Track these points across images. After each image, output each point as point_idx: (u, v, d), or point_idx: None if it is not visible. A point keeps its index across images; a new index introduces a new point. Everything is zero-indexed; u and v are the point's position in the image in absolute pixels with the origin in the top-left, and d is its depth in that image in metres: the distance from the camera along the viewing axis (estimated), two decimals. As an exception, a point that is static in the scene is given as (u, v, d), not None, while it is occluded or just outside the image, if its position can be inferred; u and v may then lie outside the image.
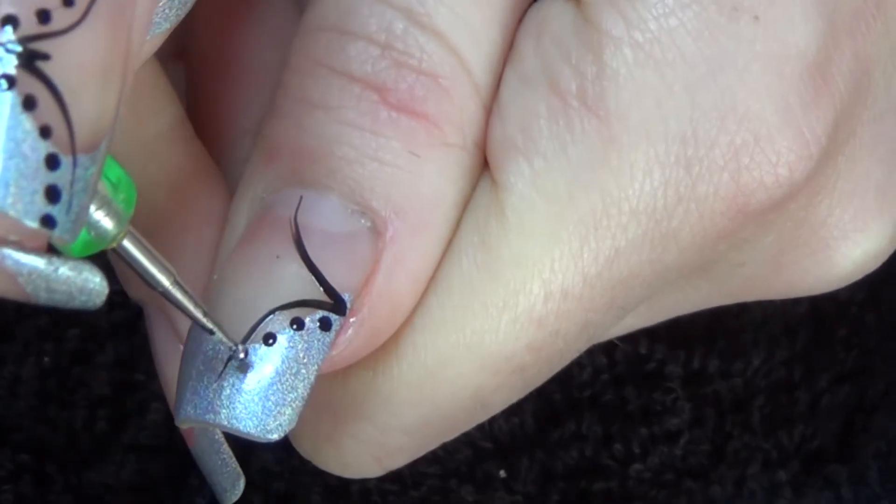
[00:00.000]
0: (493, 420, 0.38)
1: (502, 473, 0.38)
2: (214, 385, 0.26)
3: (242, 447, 0.39)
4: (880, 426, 0.38)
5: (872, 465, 0.38)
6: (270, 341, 0.26)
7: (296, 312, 0.26)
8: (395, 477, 0.39)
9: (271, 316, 0.26)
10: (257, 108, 0.29)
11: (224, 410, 0.26)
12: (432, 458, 0.38)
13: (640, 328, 0.31)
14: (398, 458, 0.29)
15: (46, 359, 0.39)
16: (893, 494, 0.38)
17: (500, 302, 0.26)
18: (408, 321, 0.27)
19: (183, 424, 0.27)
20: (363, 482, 0.39)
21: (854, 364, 0.39)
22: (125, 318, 0.40)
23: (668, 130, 0.25)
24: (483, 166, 0.27)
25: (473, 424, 0.29)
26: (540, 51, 0.26)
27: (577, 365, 0.38)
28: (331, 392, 0.28)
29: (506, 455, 0.38)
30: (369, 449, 0.28)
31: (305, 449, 0.30)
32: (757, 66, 0.25)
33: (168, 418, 0.39)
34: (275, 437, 0.26)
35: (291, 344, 0.26)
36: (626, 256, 0.26)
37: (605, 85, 0.25)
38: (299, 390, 0.26)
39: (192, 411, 0.26)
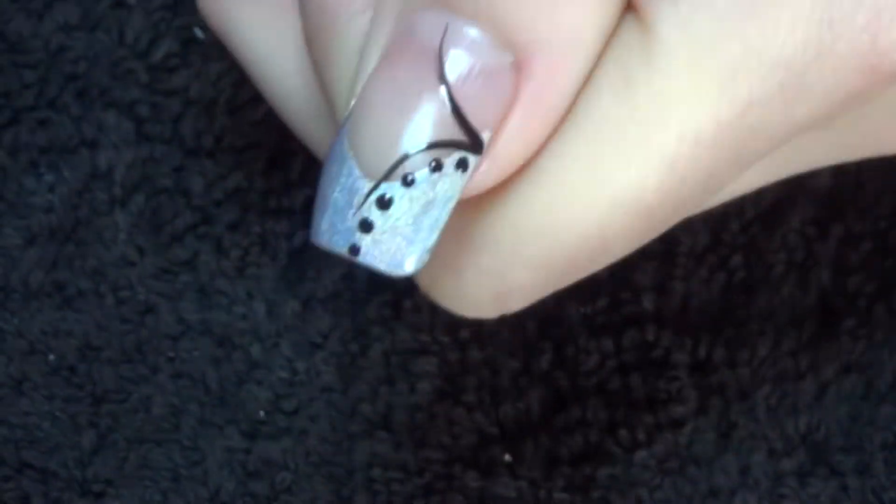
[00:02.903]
0: (498, 405, 0.38)
1: (507, 458, 0.38)
2: (352, 220, 0.27)
3: (246, 437, 0.39)
4: (887, 417, 0.38)
5: (879, 455, 0.38)
6: (409, 178, 0.26)
7: (436, 153, 0.26)
8: (398, 464, 0.39)
9: (411, 155, 0.26)
10: None
11: (359, 246, 0.27)
12: (437, 444, 0.38)
13: (757, 187, 0.31)
14: (515, 298, 0.29)
15: (52, 356, 0.40)
16: (899, 486, 0.38)
17: (635, 139, 0.26)
18: (545, 150, 0.27)
19: (318, 246, 0.27)
20: (366, 471, 0.38)
21: (861, 355, 0.39)
22: (131, 313, 0.40)
23: None
24: (625, 4, 0.27)
25: (590, 271, 0.29)
26: None
27: (583, 352, 0.38)
28: (456, 219, 0.28)
29: (511, 440, 0.38)
30: (490, 281, 0.28)
31: (424, 281, 0.30)
32: None
33: (172, 412, 0.39)
34: (407, 271, 0.27)
35: (429, 184, 0.26)
36: (758, 107, 0.26)
37: None
38: (433, 229, 0.26)
39: (328, 240, 0.27)
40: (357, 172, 0.26)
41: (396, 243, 0.27)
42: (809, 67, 0.26)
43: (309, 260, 0.40)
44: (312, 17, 0.29)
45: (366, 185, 0.26)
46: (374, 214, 0.26)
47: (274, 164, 0.40)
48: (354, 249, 0.27)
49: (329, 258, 0.39)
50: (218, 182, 0.40)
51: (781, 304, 0.39)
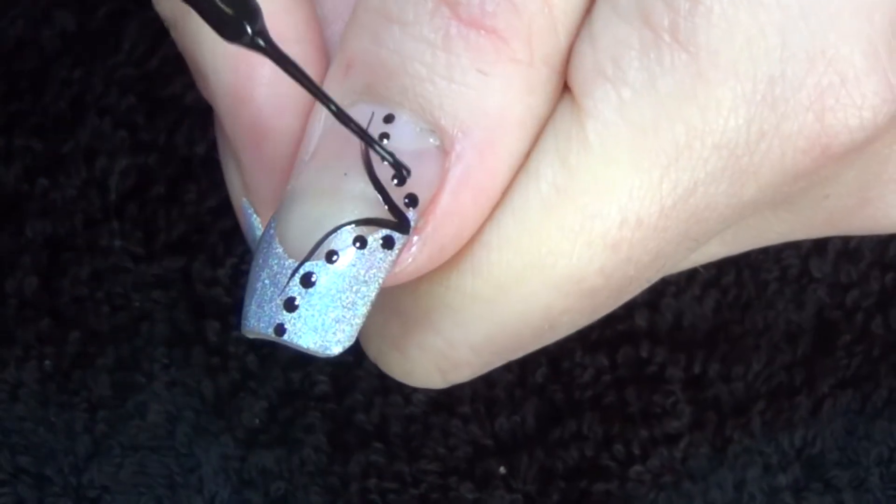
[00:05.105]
0: (493, 417, 0.38)
1: (502, 470, 0.38)
2: (277, 300, 0.26)
3: (241, 445, 0.39)
4: (883, 432, 0.38)
5: (874, 470, 0.38)
6: (334, 258, 0.26)
7: (359, 230, 0.26)
8: (394, 475, 0.39)
9: (335, 233, 0.26)
10: (341, 20, 0.29)
11: (285, 326, 0.26)
12: (433, 455, 0.38)
13: (721, 257, 0.31)
14: (462, 373, 0.29)
15: (47, 362, 0.40)
16: (895, 501, 0.38)
17: (577, 225, 0.26)
18: (483, 237, 0.27)
19: (247, 335, 0.27)
20: (361, 482, 0.39)
21: (857, 371, 0.38)
22: (126, 321, 0.40)
23: (757, 70, 0.26)
24: (555, 87, 0.27)
25: (539, 346, 0.29)
26: None
27: (578, 366, 0.38)
28: (401, 300, 0.28)
29: (506, 453, 0.38)
30: (435, 360, 0.29)
31: (371, 352, 0.30)
32: (848, 11, 0.26)
33: (167, 419, 0.39)
34: (333, 352, 0.27)
35: (353, 262, 0.26)
36: (704, 189, 0.26)
37: (698, 21, 0.26)
38: (359, 308, 0.26)
39: (255, 324, 0.27)
40: (283, 254, 0.26)
41: (322, 321, 0.26)
42: (755, 148, 0.26)
43: (304, 269, 0.40)
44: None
45: (291, 266, 0.26)
46: (299, 293, 0.26)
47: (269, 173, 0.40)
48: (280, 329, 0.26)
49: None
50: (212, 190, 0.40)
51: (776, 319, 0.39)
